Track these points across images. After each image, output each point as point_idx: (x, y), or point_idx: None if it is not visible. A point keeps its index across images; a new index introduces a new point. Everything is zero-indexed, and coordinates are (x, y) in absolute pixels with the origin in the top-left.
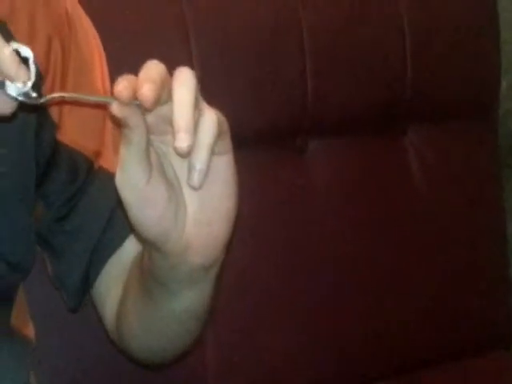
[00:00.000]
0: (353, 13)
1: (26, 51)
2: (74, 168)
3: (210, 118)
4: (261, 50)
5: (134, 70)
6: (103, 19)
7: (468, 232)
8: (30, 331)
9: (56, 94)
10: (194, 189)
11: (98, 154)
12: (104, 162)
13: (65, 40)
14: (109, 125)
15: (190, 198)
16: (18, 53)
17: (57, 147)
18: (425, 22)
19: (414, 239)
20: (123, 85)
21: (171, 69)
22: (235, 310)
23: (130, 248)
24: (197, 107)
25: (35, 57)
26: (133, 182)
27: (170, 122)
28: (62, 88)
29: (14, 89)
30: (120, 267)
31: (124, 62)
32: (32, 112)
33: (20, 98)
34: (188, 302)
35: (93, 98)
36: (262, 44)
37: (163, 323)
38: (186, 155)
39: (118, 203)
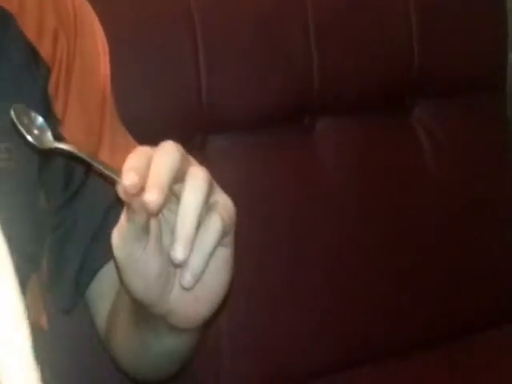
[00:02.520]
0: None
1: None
2: (71, 168)
3: (216, 223)
4: (266, 30)
5: (140, 56)
6: (108, 10)
7: (480, 206)
8: (43, 321)
9: (70, 147)
10: (185, 289)
11: (95, 153)
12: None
13: (70, 34)
14: (107, 124)
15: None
16: None
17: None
18: None
19: (424, 215)
20: (131, 180)
21: (176, 56)
22: (249, 293)
23: None
24: (207, 203)
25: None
26: (128, 252)
27: (178, 196)
28: (67, 81)
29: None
30: (114, 277)
31: (129, 47)
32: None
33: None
34: (169, 346)
35: (104, 171)
36: (266, 24)
37: (148, 355)
38: (180, 266)
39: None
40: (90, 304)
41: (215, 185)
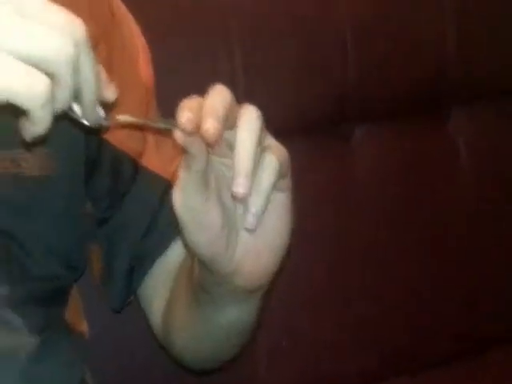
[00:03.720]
0: None
1: None
2: (118, 169)
3: (272, 162)
4: (302, 36)
5: (174, 61)
6: (141, 12)
7: None
8: (84, 328)
9: (122, 118)
10: (249, 231)
11: (140, 153)
12: (146, 162)
13: (109, 37)
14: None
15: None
16: None
17: (102, 146)
18: None
19: (459, 222)
20: (187, 117)
21: (212, 62)
22: (286, 298)
23: (177, 252)
24: (260, 145)
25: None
26: (189, 205)
27: (232, 146)
28: None
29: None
30: (166, 271)
31: (164, 57)
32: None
33: (84, 122)
34: (233, 317)
35: (157, 124)
36: (303, 30)
37: (211, 332)
38: (242, 201)
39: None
40: (143, 301)
41: (265, 131)
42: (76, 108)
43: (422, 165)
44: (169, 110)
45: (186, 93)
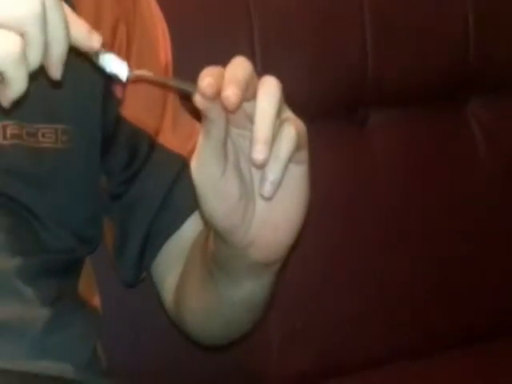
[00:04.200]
0: None
1: None
2: (134, 145)
3: (290, 132)
4: (320, 22)
5: (195, 49)
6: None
7: None
8: (96, 302)
9: (142, 73)
10: (265, 199)
11: (157, 131)
12: (163, 140)
13: (130, 20)
14: (169, 102)
15: (260, 199)
16: None
17: (119, 123)
18: None
19: (478, 210)
20: (208, 82)
21: (232, 46)
22: (298, 279)
23: (191, 229)
24: (279, 117)
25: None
26: (207, 173)
27: (251, 118)
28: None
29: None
30: (180, 248)
31: (185, 44)
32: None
33: (109, 71)
34: (247, 291)
35: (177, 84)
36: (321, 16)
37: (223, 308)
38: (261, 167)
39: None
40: (156, 277)
41: (284, 103)
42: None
43: (437, 150)
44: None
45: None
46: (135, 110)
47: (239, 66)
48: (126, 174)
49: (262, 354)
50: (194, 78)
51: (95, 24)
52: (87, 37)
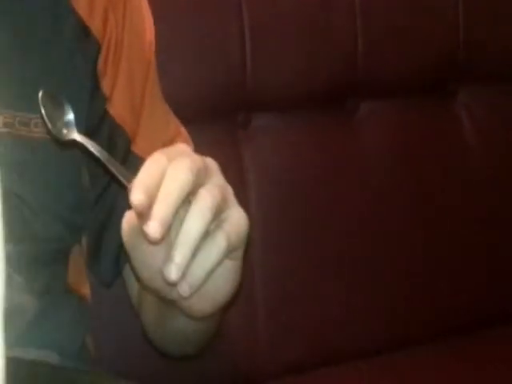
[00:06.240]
0: None
1: None
2: (114, 142)
3: (221, 242)
4: (311, 11)
5: (186, 48)
6: None
7: None
8: (86, 290)
9: (87, 145)
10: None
11: (135, 133)
12: (136, 147)
13: (119, 12)
14: (146, 111)
15: None
16: None
17: (104, 118)
18: None
19: (467, 200)
20: (139, 200)
21: (222, 34)
22: (287, 270)
23: None
24: (216, 218)
25: None
26: (135, 242)
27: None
28: (116, 57)
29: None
30: None
31: (175, 37)
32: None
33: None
34: (184, 328)
35: (116, 174)
36: (312, 5)
37: (167, 330)
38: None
39: None
40: (126, 278)
41: (231, 198)
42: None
43: (426, 141)
44: (173, 87)
45: (193, 65)
46: (120, 109)
47: (178, 178)
48: (105, 178)
49: (251, 346)
50: (183, 82)
51: (89, 12)
52: None
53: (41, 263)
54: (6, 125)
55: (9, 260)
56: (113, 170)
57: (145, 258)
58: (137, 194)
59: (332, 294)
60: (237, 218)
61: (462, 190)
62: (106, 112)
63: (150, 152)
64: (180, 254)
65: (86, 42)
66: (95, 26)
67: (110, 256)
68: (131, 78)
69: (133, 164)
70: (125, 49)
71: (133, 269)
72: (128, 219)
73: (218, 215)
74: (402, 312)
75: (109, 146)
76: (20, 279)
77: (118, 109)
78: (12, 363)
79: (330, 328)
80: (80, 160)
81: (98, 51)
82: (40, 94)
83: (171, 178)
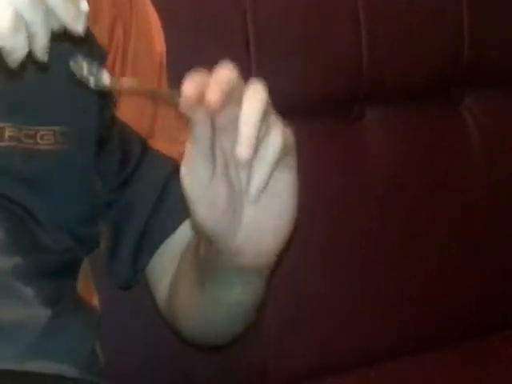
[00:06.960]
0: None
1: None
2: (127, 147)
3: (276, 136)
4: (315, 17)
5: (190, 50)
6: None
7: None
8: (95, 302)
9: (126, 82)
10: (251, 202)
11: (149, 134)
12: (154, 143)
13: (126, 18)
14: (160, 112)
15: (248, 205)
16: None
17: (114, 123)
18: None
19: (473, 206)
20: (191, 87)
21: (227, 47)
22: (294, 273)
23: (185, 233)
24: (265, 122)
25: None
26: (196, 178)
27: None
28: (123, 63)
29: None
30: (173, 253)
31: (179, 45)
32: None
33: (89, 82)
34: (237, 296)
35: (161, 93)
36: (316, 11)
37: (214, 311)
38: (244, 167)
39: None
40: (150, 280)
41: (271, 109)
42: (85, 69)
43: (432, 147)
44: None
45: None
46: (129, 111)
47: (223, 73)
48: (120, 179)
49: (259, 351)
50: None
51: (93, 20)
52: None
53: (50, 275)
54: (11, 138)
55: (18, 272)
56: (163, 94)
57: (208, 195)
58: (188, 84)
59: (337, 298)
60: (283, 125)
61: (467, 194)
62: (115, 116)
63: (167, 148)
64: (245, 130)
65: (90, 49)
66: (100, 34)
67: (129, 255)
68: (139, 76)
69: (152, 159)
70: (131, 53)
71: (195, 214)
72: (186, 155)
73: (267, 114)
74: (411, 316)
75: (123, 151)
76: (30, 291)
77: (126, 112)
78: (25, 379)
79: (336, 335)
80: (90, 168)
81: (104, 57)
82: (71, 63)
83: (219, 70)
